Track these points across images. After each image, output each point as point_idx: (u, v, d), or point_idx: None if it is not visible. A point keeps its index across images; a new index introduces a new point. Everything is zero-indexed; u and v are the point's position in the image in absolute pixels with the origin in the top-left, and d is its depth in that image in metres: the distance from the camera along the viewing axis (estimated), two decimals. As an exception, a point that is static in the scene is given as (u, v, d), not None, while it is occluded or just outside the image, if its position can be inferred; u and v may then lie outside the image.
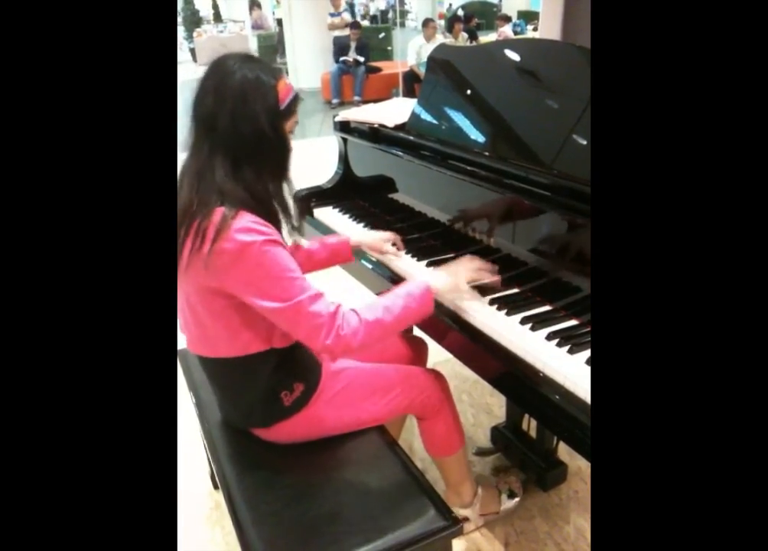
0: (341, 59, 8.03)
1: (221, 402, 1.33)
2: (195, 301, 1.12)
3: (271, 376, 1.19)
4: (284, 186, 1.16)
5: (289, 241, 1.21)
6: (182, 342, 1.27)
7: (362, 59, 8.02)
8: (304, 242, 1.41)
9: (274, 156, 1.10)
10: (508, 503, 1.61)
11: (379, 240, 1.53)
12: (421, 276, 1.20)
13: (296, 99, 1.12)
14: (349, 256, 1.51)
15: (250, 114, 1.05)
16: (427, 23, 7.60)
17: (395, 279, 1.47)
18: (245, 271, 1.02)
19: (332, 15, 8.55)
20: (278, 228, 1.14)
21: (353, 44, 8.03)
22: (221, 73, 1.06)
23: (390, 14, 16.92)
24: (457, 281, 1.21)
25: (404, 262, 1.51)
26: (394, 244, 1.55)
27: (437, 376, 1.41)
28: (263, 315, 1.07)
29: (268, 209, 1.10)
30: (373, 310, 1.10)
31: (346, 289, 1.94)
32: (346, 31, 8.29)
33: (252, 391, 1.21)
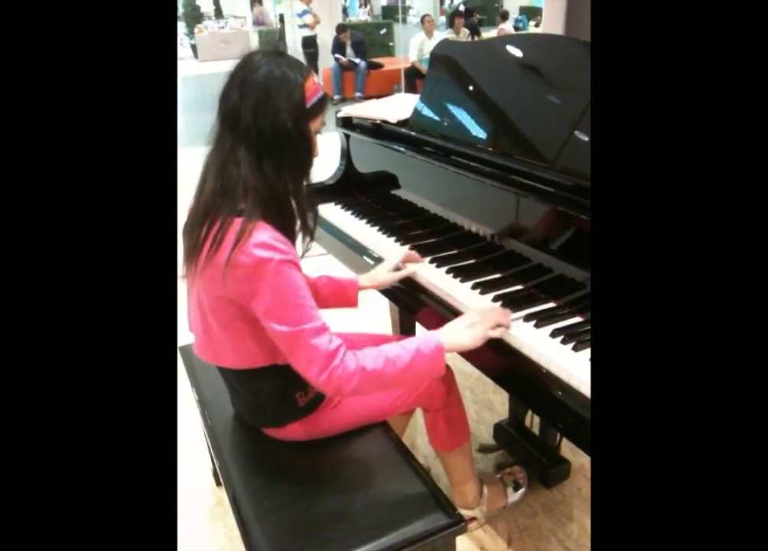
0: (335, 56, 7.90)
1: (234, 401, 1.33)
2: (206, 306, 1.11)
3: (280, 382, 1.18)
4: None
5: (299, 248, 1.16)
6: (188, 339, 1.27)
7: (357, 60, 7.89)
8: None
9: (296, 154, 1.08)
10: (514, 496, 1.61)
11: (389, 274, 1.41)
12: (433, 335, 1.11)
13: (323, 100, 1.10)
14: (354, 300, 1.40)
15: (273, 109, 1.03)
16: (423, 19, 7.65)
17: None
18: (256, 287, 1.01)
19: (300, 15, 8.12)
20: (294, 230, 1.12)
21: (348, 42, 7.91)
22: (248, 68, 1.04)
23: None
24: (473, 340, 1.11)
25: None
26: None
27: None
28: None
29: (287, 208, 1.09)
30: (374, 359, 1.04)
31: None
32: (316, 30, 8.10)
33: (264, 394, 1.21)
